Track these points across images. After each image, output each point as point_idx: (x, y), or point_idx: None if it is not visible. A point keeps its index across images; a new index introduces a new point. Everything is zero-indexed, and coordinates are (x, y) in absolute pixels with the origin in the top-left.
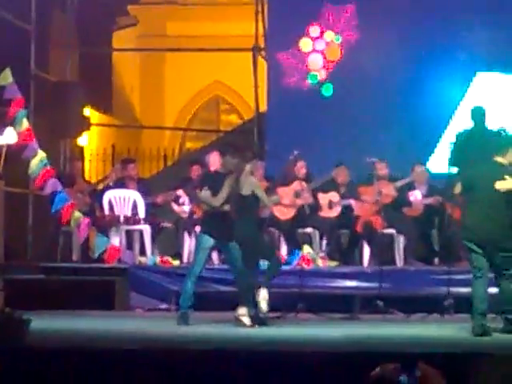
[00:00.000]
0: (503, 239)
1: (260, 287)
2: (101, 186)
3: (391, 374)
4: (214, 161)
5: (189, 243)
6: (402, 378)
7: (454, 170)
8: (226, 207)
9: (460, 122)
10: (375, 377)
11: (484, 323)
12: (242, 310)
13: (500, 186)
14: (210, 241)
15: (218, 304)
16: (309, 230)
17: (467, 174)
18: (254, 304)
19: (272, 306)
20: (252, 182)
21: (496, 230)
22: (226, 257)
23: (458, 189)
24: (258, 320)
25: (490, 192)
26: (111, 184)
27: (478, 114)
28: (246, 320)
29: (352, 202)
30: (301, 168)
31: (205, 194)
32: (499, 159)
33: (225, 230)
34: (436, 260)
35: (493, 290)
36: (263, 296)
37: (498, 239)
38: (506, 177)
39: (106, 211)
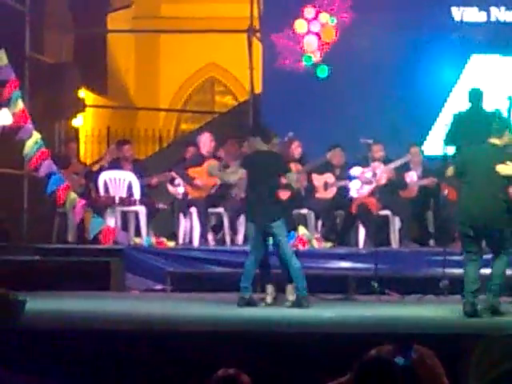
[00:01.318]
0: (498, 221)
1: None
2: (96, 168)
3: (386, 355)
4: (206, 142)
5: (184, 224)
6: (397, 359)
7: (450, 149)
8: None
9: (455, 104)
10: (370, 358)
11: (475, 302)
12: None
13: (501, 170)
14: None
15: (212, 285)
16: (304, 211)
17: (461, 156)
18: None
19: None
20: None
21: (491, 212)
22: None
23: (450, 171)
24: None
25: (485, 174)
26: (106, 165)
27: (475, 96)
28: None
29: (347, 183)
30: (296, 148)
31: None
32: (495, 141)
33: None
34: (431, 241)
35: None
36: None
37: (493, 221)
38: (508, 163)
39: (102, 192)
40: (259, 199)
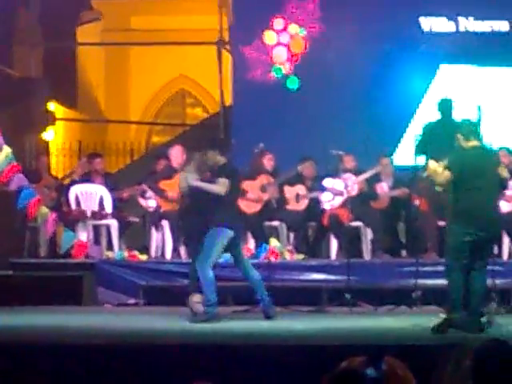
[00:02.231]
0: (498, 232)
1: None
2: (67, 181)
3: (357, 367)
4: (177, 155)
5: (156, 237)
6: (368, 370)
7: (420, 160)
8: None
9: (424, 114)
10: (341, 370)
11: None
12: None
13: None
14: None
15: (185, 298)
16: (276, 223)
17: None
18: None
19: (240, 300)
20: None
21: (496, 221)
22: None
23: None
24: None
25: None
26: (77, 179)
27: (446, 106)
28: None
29: (319, 194)
30: (268, 160)
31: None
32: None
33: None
34: (403, 252)
35: None
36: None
37: (497, 231)
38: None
39: (73, 206)
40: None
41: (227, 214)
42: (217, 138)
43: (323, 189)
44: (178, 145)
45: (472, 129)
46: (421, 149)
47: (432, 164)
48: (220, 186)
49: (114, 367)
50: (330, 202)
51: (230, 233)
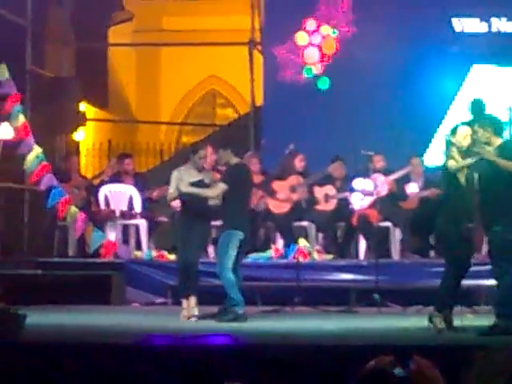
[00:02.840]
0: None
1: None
2: (97, 182)
3: (386, 367)
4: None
5: None
6: (396, 370)
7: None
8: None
9: (456, 114)
10: (370, 369)
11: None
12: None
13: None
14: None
15: (212, 298)
16: (305, 223)
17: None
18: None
19: (268, 300)
20: None
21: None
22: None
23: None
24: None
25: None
26: (106, 179)
27: (478, 106)
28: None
29: (348, 195)
30: (300, 161)
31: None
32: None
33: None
34: (432, 253)
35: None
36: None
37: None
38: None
39: (102, 206)
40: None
41: (237, 216)
42: (232, 139)
43: (352, 189)
44: (208, 145)
45: (503, 128)
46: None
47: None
48: (214, 191)
49: (142, 367)
50: (359, 202)
51: (241, 234)
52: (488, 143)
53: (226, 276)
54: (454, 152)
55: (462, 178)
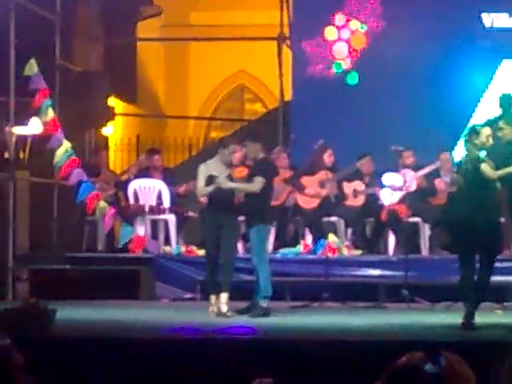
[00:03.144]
0: None
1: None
2: (124, 178)
3: (416, 363)
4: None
5: None
6: (427, 366)
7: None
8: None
9: (485, 109)
10: (400, 365)
11: None
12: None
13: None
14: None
15: (241, 293)
16: (334, 218)
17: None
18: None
19: (297, 295)
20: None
21: None
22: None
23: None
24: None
25: None
26: (132, 177)
27: (506, 101)
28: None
29: (376, 190)
30: (329, 156)
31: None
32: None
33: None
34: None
35: None
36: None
37: None
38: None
39: (132, 201)
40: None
41: (269, 210)
42: (261, 134)
43: (382, 184)
44: (237, 140)
45: None
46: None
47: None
48: (256, 185)
49: (171, 362)
50: (388, 197)
51: (270, 228)
52: None
53: (267, 268)
54: (482, 155)
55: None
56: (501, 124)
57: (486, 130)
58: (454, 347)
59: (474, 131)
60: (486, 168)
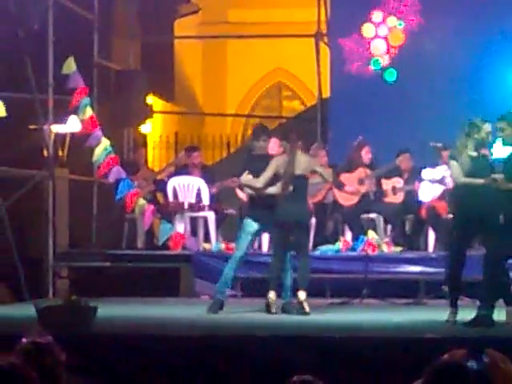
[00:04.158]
0: None
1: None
2: (160, 176)
3: (459, 360)
4: (273, 148)
5: None
6: (470, 363)
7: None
8: (272, 190)
9: None
10: (444, 362)
11: None
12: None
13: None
14: (253, 225)
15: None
16: (373, 215)
17: None
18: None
19: (337, 292)
20: (307, 159)
21: None
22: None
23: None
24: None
25: None
26: (166, 179)
27: None
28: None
29: (415, 187)
30: (366, 153)
31: (246, 177)
32: None
33: (270, 214)
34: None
35: None
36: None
37: None
38: None
39: (171, 198)
40: None
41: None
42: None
43: (421, 181)
44: (275, 137)
45: None
46: None
47: None
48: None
49: (212, 358)
50: (427, 194)
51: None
52: None
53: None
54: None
55: None
56: (502, 124)
57: (487, 127)
58: (497, 344)
59: (476, 126)
60: (454, 167)
